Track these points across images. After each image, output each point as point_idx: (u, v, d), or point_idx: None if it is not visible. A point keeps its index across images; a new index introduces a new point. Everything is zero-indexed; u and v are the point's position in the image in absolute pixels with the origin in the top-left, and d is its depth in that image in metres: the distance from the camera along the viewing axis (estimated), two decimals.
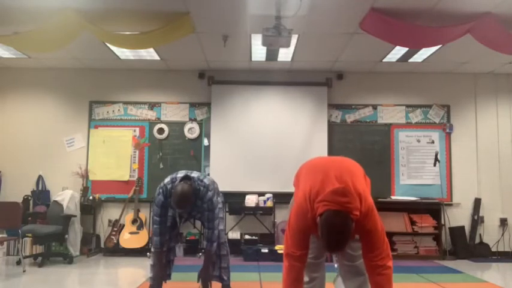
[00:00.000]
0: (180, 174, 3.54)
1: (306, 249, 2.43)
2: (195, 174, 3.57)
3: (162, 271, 3.70)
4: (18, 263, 5.61)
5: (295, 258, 2.41)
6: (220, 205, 3.72)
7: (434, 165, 6.66)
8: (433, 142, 6.92)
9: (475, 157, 6.90)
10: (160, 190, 3.56)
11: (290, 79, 6.91)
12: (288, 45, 4.82)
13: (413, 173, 6.86)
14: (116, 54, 6.20)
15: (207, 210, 3.56)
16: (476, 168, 6.87)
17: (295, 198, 2.58)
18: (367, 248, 2.37)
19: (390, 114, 6.98)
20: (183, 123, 6.91)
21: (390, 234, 6.18)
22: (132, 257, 6.23)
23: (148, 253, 6.18)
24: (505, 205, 6.81)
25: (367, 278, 2.63)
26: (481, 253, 6.58)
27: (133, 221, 6.48)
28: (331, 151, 6.74)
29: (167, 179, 3.58)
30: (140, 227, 6.44)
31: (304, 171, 2.66)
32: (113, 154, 6.86)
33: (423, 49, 5.79)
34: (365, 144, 6.91)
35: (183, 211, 3.40)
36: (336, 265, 3.11)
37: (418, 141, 6.93)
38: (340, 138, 6.92)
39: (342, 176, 2.37)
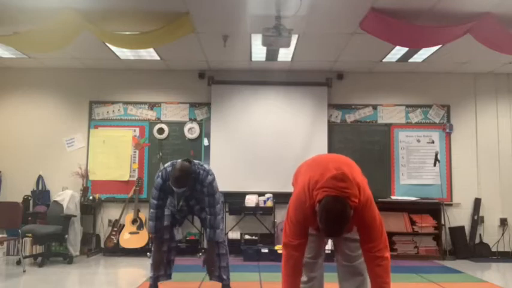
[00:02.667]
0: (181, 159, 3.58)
1: (304, 239, 2.46)
2: (195, 161, 3.61)
3: (161, 256, 3.70)
4: (18, 263, 5.61)
5: (292, 247, 2.44)
6: (219, 205, 3.72)
7: (434, 165, 6.66)
8: (433, 142, 6.91)
9: (475, 157, 6.89)
10: (160, 173, 3.59)
11: (290, 79, 6.91)
12: (288, 45, 4.83)
13: (413, 173, 6.86)
14: (116, 54, 6.20)
15: (207, 195, 3.56)
16: (476, 168, 6.87)
17: (293, 193, 2.60)
18: (365, 239, 2.40)
19: (390, 114, 6.98)
20: (183, 123, 6.91)
21: (390, 234, 6.16)
22: (132, 257, 6.23)
23: (148, 253, 6.19)
24: (505, 205, 6.81)
25: (366, 279, 2.64)
26: (481, 253, 6.58)
27: (133, 221, 6.47)
28: (331, 151, 6.72)
29: (167, 163, 3.63)
30: (140, 227, 6.44)
31: (303, 169, 2.69)
32: (112, 154, 6.85)
33: (423, 49, 5.79)
34: (365, 144, 6.91)
35: (181, 190, 3.38)
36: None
37: (418, 141, 6.92)
38: (340, 138, 6.92)
39: (341, 168, 2.40)
